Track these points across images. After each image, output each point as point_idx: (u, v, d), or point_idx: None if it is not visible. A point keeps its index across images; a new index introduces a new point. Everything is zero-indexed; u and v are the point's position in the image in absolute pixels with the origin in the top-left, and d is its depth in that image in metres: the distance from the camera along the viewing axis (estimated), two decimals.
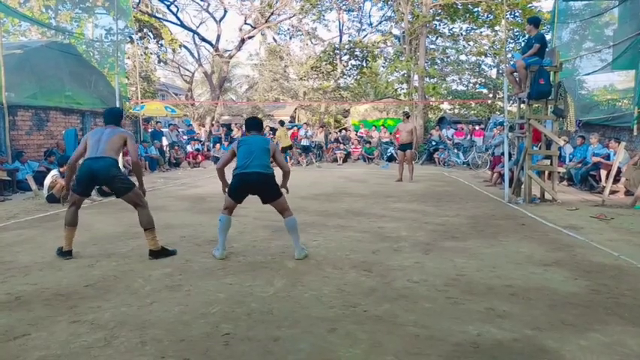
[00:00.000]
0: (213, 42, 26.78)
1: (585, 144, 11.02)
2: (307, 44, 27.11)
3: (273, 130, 20.27)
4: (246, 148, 4.56)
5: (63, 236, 4.61)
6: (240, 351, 2.64)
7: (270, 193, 4.55)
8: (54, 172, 8.10)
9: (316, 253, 4.69)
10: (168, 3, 24.79)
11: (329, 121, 26.60)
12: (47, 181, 8.04)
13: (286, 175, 4.79)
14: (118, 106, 9.23)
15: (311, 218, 6.54)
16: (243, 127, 4.92)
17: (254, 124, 4.92)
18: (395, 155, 15.20)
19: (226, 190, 4.64)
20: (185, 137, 19.09)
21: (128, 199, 4.60)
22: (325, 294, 3.54)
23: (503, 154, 8.58)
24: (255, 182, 4.47)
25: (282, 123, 17.16)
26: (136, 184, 4.70)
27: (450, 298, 3.44)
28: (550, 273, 4.07)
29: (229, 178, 4.64)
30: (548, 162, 8.37)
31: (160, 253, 4.56)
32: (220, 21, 26.76)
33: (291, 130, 19.52)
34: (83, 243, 5.12)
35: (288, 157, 16.63)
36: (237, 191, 4.55)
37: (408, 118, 11.98)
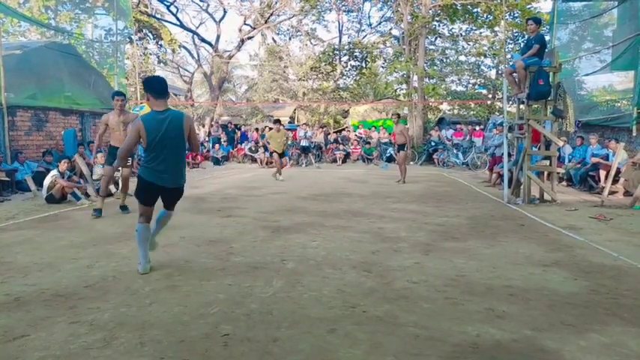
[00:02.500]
0: (213, 42, 26.82)
1: (584, 144, 11.04)
2: (307, 45, 27.15)
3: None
4: (157, 139, 3.81)
5: None
6: (240, 352, 2.63)
7: (177, 199, 4.23)
8: (53, 173, 8.09)
9: (315, 254, 4.69)
10: (168, 3, 24.80)
11: (328, 122, 26.61)
12: (46, 181, 8.03)
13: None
14: None
15: (310, 219, 6.54)
16: (149, 95, 3.94)
17: (162, 86, 3.97)
18: (394, 156, 15.24)
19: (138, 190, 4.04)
20: None
21: None
22: (325, 294, 3.54)
23: (503, 154, 8.59)
24: (165, 193, 4.04)
25: (277, 121, 12.90)
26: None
27: (450, 299, 3.44)
28: (549, 273, 4.07)
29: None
30: (547, 162, 8.38)
31: None
32: (220, 21, 26.84)
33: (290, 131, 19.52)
34: (83, 243, 5.11)
35: (287, 157, 16.66)
36: (147, 194, 4.02)
37: (398, 119, 11.91)
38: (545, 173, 9.28)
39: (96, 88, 14.50)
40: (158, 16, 24.67)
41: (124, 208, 7.15)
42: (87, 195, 8.47)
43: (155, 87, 3.93)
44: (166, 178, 3.92)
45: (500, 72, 21.43)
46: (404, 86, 22.00)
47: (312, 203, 7.98)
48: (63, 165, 8.34)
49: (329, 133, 20.54)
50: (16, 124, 10.87)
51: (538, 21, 8.00)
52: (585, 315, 3.15)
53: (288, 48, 27.89)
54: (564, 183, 10.62)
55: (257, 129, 20.81)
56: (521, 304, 3.35)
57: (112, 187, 8.79)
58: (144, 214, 4.07)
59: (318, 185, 10.72)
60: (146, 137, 3.80)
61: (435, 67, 22.69)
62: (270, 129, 13.48)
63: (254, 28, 26.17)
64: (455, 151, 16.85)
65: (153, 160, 3.87)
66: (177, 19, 25.61)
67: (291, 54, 27.69)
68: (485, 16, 20.26)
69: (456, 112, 24.40)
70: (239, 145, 19.38)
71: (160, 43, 24.54)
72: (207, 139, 19.87)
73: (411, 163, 17.62)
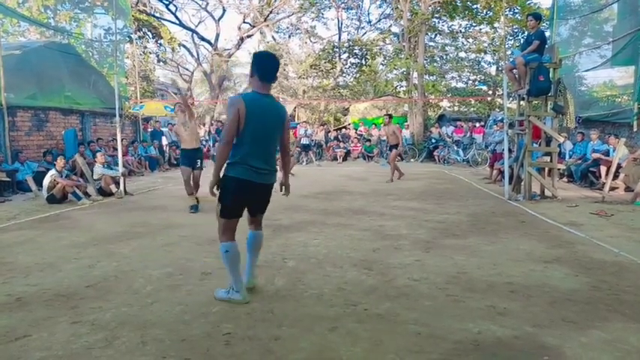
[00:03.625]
0: (212, 41, 26.81)
1: (585, 140, 11.02)
2: (306, 42, 27.08)
3: None
4: (258, 126, 3.13)
5: None
6: (241, 350, 2.64)
7: (267, 203, 3.47)
8: (52, 172, 8.09)
9: (316, 252, 4.69)
10: (167, 2, 24.78)
11: (329, 120, 26.58)
12: (46, 181, 8.03)
13: (288, 165, 3.60)
14: (117, 106, 9.20)
15: (311, 217, 6.54)
16: (254, 73, 3.20)
17: (275, 70, 3.23)
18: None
19: (218, 193, 3.27)
20: None
21: None
22: (326, 293, 3.54)
23: (504, 151, 8.59)
24: (260, 192, 3.31)
25: None
26: None
27: (451, 296, 3.44)
28: (550, 270, 4.07)
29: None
30: (547, 159, 8.36)
31: None
32: (219, 20, 26.83)
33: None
34: (84, 243, 5.12)
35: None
36: (238, 201, 3.26)
37: (390, 119, 12.13)
38: (546, 169, 9.27)
39: (96, 87, 14.51)
40: (157, 14, 24.63)
41: (195, 207, 7.14)
42: (87, 194, 8.47)
43: (266, 67, 3.18)
44: (263, 175, 3.21)
45: (500, 68, 21.37)
46: (404, 83, 21.98)
47: (313, 201, 7.98)
48: (60, 162, 8.36)
49: (329, 131, 20.52)
50: (16, 124, 10.87)
51: (538, 17, 7.98)
52: (586, 311, 3.15)
53: (288, 46, 27.85)
54: (565, 179, 10.61)
55: None
56: (522, 300, 3.35)
57: (113, 187, 8.80)
58: (229, 229, 3.29)
59: (318, 183, 10.72)
60: (245, 119, 3.07)
61: (435, 64, 22.66)
62: None
63: (253, 26, 26.14)
64: (455, 148, 16.83)
65: (248, 154, 3.14)
66: (177, 17, 25.62)
67: (290, 52, 27.63)
68: (484, 12, 20.21)
69: (456, 108, 24.37)
70: None
71: (159, 41, 24.50)
72: (207, 138, 19.86)
73: (412, 160, 17.64)
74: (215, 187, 3.25)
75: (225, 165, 3.21)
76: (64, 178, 8.20)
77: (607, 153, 9.57)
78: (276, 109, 3.25)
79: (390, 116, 12.40)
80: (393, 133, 11.64)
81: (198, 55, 27.57)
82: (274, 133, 3.26)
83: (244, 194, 3.22)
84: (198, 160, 7.29)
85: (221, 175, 3.23)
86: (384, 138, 18.44)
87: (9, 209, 7.51)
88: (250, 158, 3.15)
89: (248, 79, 3.14)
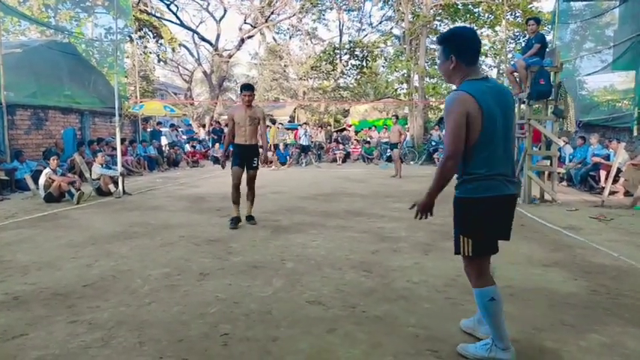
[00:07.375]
0: (213, 41, 26.82)
1: (585, 144, 11.02)
2: (307, 44, 27.12)
3: None
4: (496, 122, 2.36)
5: None
6: (239, 351, 2.63)
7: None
8: (47, 171, 8.09)
9: (315, 254, 4.68)
10: (168, 2, 24.78)
11: (329, 121, 26.61)
12: (41, 180, 8.01)
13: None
14: (117, 105, 9.18)
15: (310, 218, 6.53)
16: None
17: (478, 45, 2.54)
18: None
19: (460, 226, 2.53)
20: (184, 137, 19.10)
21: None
22: (324, 294, 3.53)
23: None
24: (512, 206, 2.52)
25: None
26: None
27: (450, 299, 3.44)
28: (549, 273, 4.06)
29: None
30: (547, 162, 8.36)
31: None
32: (220, 20, 26.84)
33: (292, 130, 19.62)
34: (82, 242, 5.11)
35: (287, 156, 16.69)
36: (495, 227, 2.50)
37: (397, 119, 13.42)
38: (546, 173, 9.26)
39: (95, 87, 14.51)
40: (158, 14, 24.64)
41: (250, 218, 6.17)
42: (80, 192, 8.38)
43: (471, 46, 2.47)
44: (513, 183, 2.48)
45: (501, 71, 21.42)
46: (405, 85, 22.00)
47: (312, 203, 7.97)
48: (53, 162, 8.38)
49: (331, 134, 20.56)
50: (15, 122, 10.86)
51: (538, 21, 8.00)
52: (585, 315, 3.14)
53: (289, 47, 27.89)
54: (565, 183, 10.61)
55: None
56: (521, 304, 3.34)
57: (112, 187, 8.78)
58: (485, 268, 2.65)
59: (318, 185, 10.71)
60: (481, 119, 2.30)
61: (436, 67, 22.68)
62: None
63: (254, 27, 26.15)
64: None
65: (492, 161, 2.38)
66: (177, 17, 25.62)
67: (291, 53, 27.67)
68: (486, 15, 20.26)
69: None
70: None
71: (159, 41, 24.50)
72: (207, 138, 19.87)
73: (412, 162, 17.64)
74: (427, 213, 2.58)
75: (460, 185, 2.50)
76: (59, 176, 8.19)
77: (607, 157, 9.57)
78: (504, 94, 2.46)
79: (397, 117, 13.68)
80: (398, 132, 12.71)
81: (198, 55, 27.60)
82: (509, 125, 2.45)
83: (500, 216, 2.45)
84: (255, 159, 6.06)
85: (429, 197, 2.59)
86: (385, 140, 18.56)
87: (7, 208, 7.50)
88: (496, 165, 2.39)
89: (444, 68, 2.55)
